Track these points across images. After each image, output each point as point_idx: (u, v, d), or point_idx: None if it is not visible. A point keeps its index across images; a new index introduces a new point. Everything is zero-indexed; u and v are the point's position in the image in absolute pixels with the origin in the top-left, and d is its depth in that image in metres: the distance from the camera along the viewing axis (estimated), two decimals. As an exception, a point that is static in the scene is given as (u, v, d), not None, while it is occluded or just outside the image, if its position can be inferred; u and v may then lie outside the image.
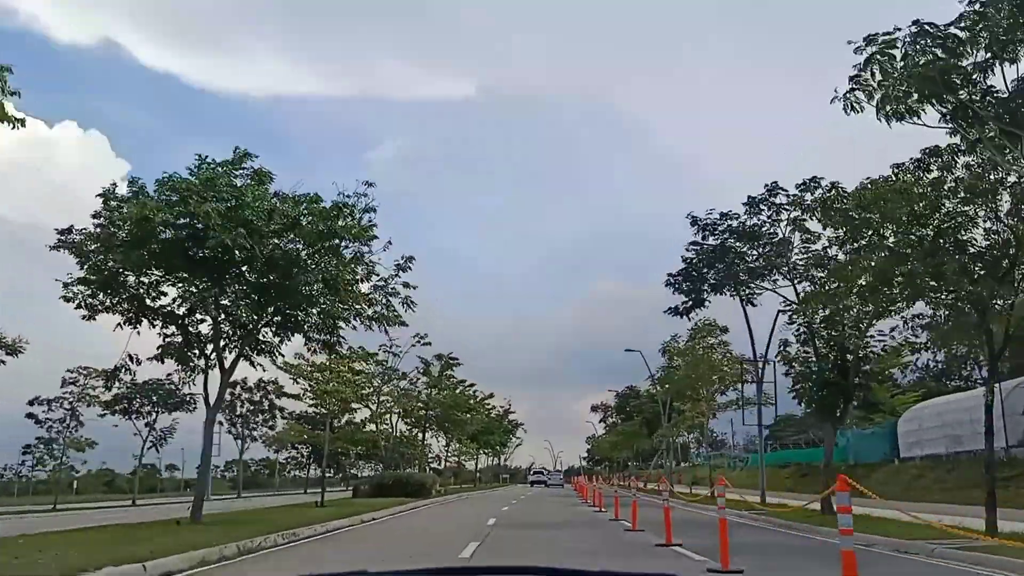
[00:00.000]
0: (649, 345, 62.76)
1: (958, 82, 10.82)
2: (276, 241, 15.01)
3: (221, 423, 53.05)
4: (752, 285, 22.33)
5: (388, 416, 39.89)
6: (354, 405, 32.53)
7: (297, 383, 25.26)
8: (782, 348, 23.45)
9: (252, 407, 56.16)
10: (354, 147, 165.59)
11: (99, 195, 14.91)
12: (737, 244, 22.22)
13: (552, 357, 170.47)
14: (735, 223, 21.90)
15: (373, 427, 43.68)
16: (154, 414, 42.86)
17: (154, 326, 15.67)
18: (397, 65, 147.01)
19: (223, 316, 15.72)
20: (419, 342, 36.16)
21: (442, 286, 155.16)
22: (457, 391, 42.89)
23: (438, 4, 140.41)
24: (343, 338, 17.82)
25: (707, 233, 21.94)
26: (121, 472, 68.67)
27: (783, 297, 22.09)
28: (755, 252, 22.20)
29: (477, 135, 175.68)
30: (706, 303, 23.38)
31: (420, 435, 43.86)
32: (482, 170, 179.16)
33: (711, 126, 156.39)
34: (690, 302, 22.96)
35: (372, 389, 34.39)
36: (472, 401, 44.31)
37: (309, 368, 25.21)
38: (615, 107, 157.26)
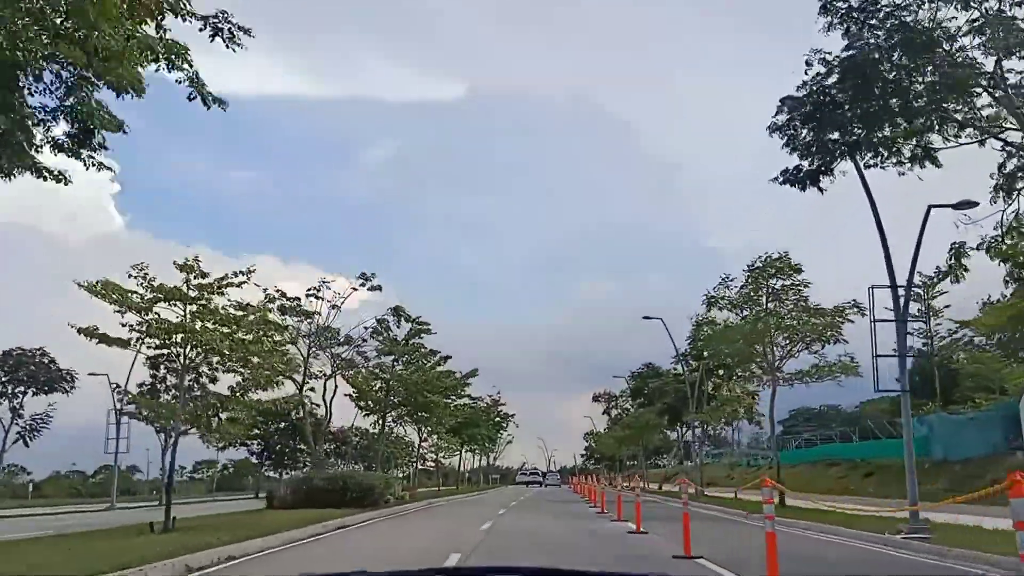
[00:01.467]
0: (643, 346, 55.69)
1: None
2: None
3: (138, 413, 42.63)
4: (943, 119, 11.94)
5: (328, 394, 29.38)
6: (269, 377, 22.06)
7: (122, 315, 14.86)
8: (953, 259, 13.39)
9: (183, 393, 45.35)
10: (343, 149, 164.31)
11: None
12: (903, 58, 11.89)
13: (541, 360, 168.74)
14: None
15: (317, 411, 33.27)
16: (19, 396, 32.19)
17: None
18: (386, 67, 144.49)
19: None
20: (365, 284, 25.79)
21: (429, 288, 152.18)
22: (428, 366, 32.52)
23: (427, 7, 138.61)
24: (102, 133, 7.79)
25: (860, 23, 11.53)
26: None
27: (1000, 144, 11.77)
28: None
29: (466, 137, 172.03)
30: (834, 168, 13.03)
31: (380, 424, 33.41)
32: (471, 172, 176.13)
33: (698, 127, 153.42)
34: (815, 162, 12.59)
35: (283, 347, 23.89)
36: (448, 379, 33.90)
37: (144, 285, 14.82)
38: (603, 108, 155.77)
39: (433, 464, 65.47)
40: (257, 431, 57.94)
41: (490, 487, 73.40)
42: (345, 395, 32.51)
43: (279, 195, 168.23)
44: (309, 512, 19.66)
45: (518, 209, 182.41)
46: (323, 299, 25.92)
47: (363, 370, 30.45)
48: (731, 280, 24.48)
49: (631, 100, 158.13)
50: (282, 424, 57.54)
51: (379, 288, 25.95)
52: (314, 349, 26.44)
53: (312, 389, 28.48)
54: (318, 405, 31.25)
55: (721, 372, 37.48)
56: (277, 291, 25.50)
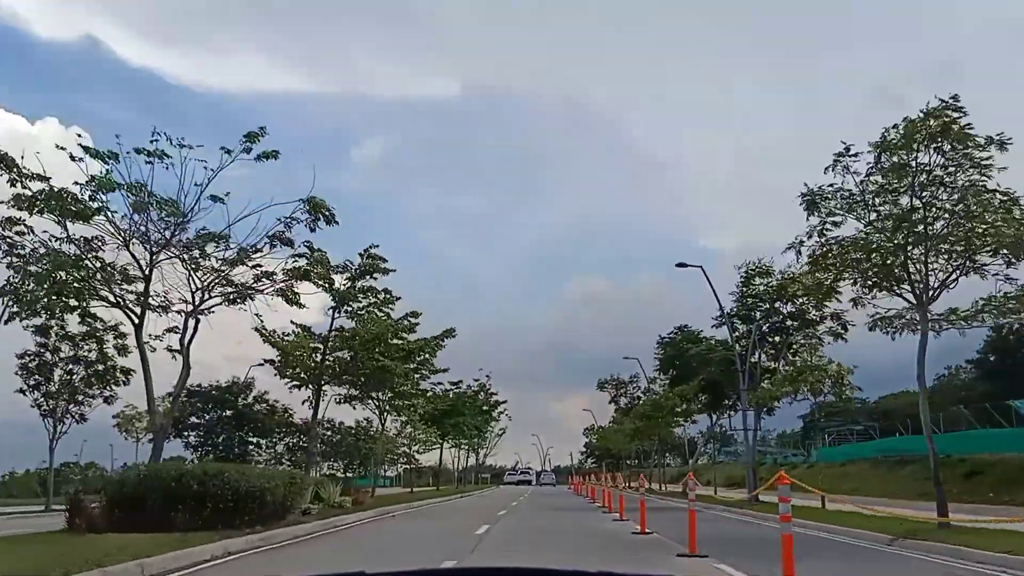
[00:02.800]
0: (637, 343, 49.26)
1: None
2: None
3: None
4: None
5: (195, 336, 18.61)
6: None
7: None
8: None
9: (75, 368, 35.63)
10: (337, 145, 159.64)
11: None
12: None
13: (534, 358, 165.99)
14: None
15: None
16: None
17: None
18: (380, 63, 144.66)
19: None
20: (252, 147, 15.81)
21: (423, 285, 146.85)
22: (383, 317, 22.88)
23: (421, 3, 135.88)
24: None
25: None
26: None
27: None
28: None
29: (460, 134, 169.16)
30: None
31: (314, 402, 23.78)
32: (465, 169, 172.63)
33: (690, 126, 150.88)
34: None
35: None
36: (411, 339, 24.23)
37: None
38: (595, 106, 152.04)
39: (407, 462, 56.16)
40: (195, 419, 48.41)
41: (478, 488, 63.69)
42: (264, 361, 23.06)
43: (270, 190, 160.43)
44: (118, 539, 10.25)
45: (511, 206, 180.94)
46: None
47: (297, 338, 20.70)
48: (851, 157, 14.72)
49: (623, 98, 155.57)
50: (227, 412, 48.10)
51: (275, 156, 16.08)
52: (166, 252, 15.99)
53: (158, 338, 17.61)
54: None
55: (789, 331, 28.06)
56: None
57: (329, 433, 66.73)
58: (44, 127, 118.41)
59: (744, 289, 30.28)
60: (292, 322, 23.02)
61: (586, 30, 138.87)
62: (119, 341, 32.32)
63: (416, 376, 27.38)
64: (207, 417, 48.38)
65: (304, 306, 16.83)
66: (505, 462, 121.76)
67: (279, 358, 22.61)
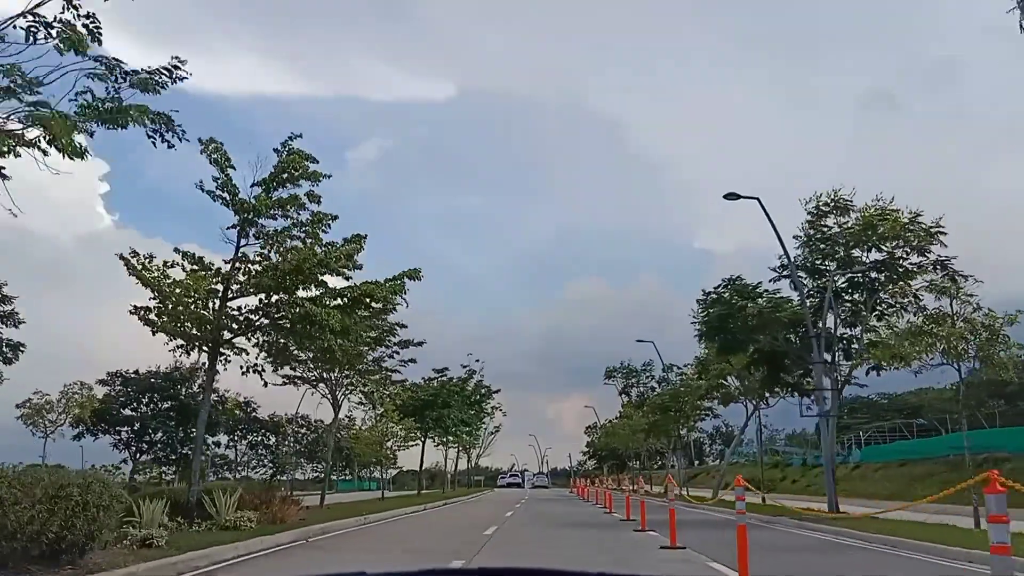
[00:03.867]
0: (635, 345, 45.11)
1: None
2: None
3: None
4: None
5: None
6: None
7: None
8: None
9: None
10: (332, 148, 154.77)
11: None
12: None
13: (531, 359, 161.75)
14: None
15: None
16: None
17: None
18: (375, 66, 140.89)
19: None
20: None
21: (418, 287, 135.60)
22: (312, 247, 15.24)
23: (417, 5, 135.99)
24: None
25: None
26: None
27: None
28: None
29: (456, 136, 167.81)
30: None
31: (208, 369, 16.09)
32: (461, 171, 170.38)
33: (687, 127, 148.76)
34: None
35: None
36: (354, 279, 16.57)
37: None
38: (592, 108, 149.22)
39: (393, 463, 48.70)
40: (130, 411, 40.54)
41: (468, 493, 55.92)
42: (136, 310, 15.51)
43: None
44: None
45: (508, 208, 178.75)
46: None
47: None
48: None
49: (620, 100, 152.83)
50: (166, 403, 40.17)
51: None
52: None
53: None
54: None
55: (875, 286, 20.68)
56: None
57: (304, 431, 59.22)
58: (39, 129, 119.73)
59: (812, 232, 22.83)
60: (177, 250, 15.41)
61: (584, 33, 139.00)
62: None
63: (370, 338, 19.70)
64: (142, 410, 40.74)
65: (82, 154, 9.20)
66: (502, 464, 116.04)
67: (156, 304, 15.00)
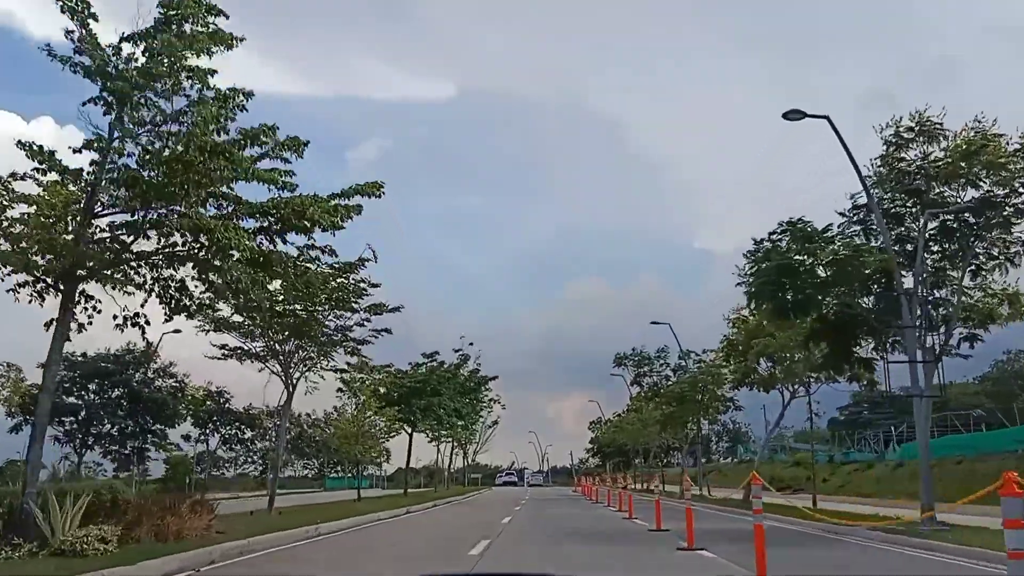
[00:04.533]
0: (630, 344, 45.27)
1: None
2: None
3: None
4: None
5: None
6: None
7: None
8: None
9: None
10: (333, 147, 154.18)
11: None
12: None
13: (531, 358, 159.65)
14: None
15: None
16: None
17: None
18: (376, 66, 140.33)
19: None
20: None
21: (420, 286, 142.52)
22: (206, 126, 10.45)
23: (417, 5, 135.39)
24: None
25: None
26: None
27: None
28: None
29: (456, 136, 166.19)
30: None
31: (59, 317, 11.23)
32: (460, 171, 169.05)
33: (687, 127, 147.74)
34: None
35: None
36: (285, 175, 11.59)
37: None
38: (592, 108, 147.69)
39: (386, 459, 44.16)
40: (75, 400, 35.38)
41: (464, 492, 50.93)
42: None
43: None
44: None
45: (508, 207, 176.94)
46: None
47: None
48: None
49: (620, 100, 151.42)
50: (116, 390, 34.74)
51: None
52: None
53: None
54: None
55: (975, 230, 15.93)
56: None
57: (289, 426, 54.33)
58: (40, 126, 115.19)
59: (885, 170, 17.92)
60: (21, 143, 10.47)
61: (584, 33, 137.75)
62: None
63: (325, 295, 14.73)
64: (87, 398, 35.77)
65: None
66: (501, 462, 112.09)
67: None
